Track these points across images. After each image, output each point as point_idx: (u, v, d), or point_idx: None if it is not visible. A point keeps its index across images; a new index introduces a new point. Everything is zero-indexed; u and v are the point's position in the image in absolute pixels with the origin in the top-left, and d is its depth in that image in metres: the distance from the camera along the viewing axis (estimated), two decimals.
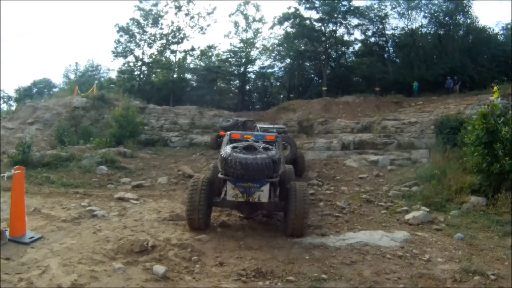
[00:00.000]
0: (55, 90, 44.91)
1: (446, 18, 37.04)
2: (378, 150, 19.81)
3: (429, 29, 40.27)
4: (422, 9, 37.97)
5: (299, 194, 7.64)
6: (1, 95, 48.87)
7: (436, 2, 37.12)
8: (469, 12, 37.25)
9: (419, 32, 40.20)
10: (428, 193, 11.06)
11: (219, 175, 7.86)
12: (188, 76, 44.64)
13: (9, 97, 49.23)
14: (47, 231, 7.23)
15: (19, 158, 13.75)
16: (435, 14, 37.38)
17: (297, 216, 7.48)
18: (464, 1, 36.10)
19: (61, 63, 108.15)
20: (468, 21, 37.89)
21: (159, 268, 5.64)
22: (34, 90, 44.98)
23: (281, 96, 44.88)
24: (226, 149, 7.66)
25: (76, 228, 7.56)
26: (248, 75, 46.72)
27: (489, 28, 38.98)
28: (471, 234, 8.14)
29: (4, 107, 46.17)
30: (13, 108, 32.00)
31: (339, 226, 8.80)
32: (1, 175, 7.14)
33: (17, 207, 6.75)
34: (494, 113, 11.31)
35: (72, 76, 55.45)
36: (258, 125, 17.43)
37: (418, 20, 39.06)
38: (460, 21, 37.76)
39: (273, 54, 45.77)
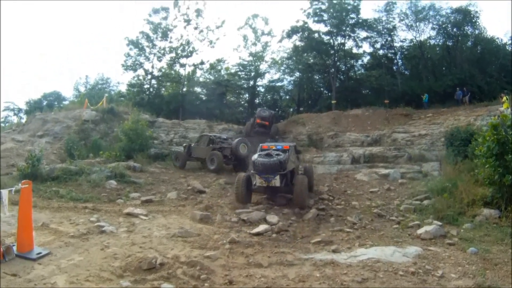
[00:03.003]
0: (65, 103, 44.80)
1: (454, 29, 36.88)
2: (389, 163, 19.64)
3: (437, 40, 40.09)
4: (430, 20, 37.80)
5: (299, 182, 12.13)
6: (12, 107, 49.24)
7: (444, 13, 37.00)
8: (477, 23, 37.03)
9: (428, 44, 40.08)
10: (439, 207, 10.92)
11: (251, 171, 12.79)
12: (198, 89, 44.71)
13: (19, 110, 49.40)
14: (55, 246, 7.20)
15: (28, 171, 13.83)
16: (443, 26, 37.21)
17: (297, 195, 11.95)
18: (472, 12, 35.98)
19: (72, 76, 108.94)
20: (476, 31, 37.68)
21: (168, 287, 5.56)
22: (44, 103, 44.82)
23: (291, 109, 44.74)
24: (255, 156, 12.60)
25: (84, 244, 7.53)
26: (258, 88, 46.80)
27: (497, 38, 38.69)
28: (485, 247, 7.99)
29: (14, 119, 46.45)
30: (23, 121, 32.15)
31: (350, 242, 8.71)
32: (9, 189, 7.14)
33: (24, 222, 6.75)
34: (505, 124, 11.15)
35: (82, 89, 55.74)
36: (209, 134, 21.58)
37: (426, 32, 38.90)
38: (468, 32, 37.55)
39: (282, 68, 45.89)
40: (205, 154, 20.16)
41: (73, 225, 9.00)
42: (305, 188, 12.20)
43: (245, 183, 12.55)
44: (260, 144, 14.44)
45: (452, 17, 36.46)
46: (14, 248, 6.52)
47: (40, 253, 6.66)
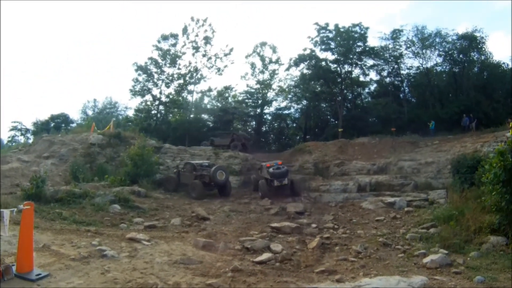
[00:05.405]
0: (73, 125, 44.95)
1: (461, 56, 37.10)
2: (395, 191, 19.48)
3: (444, 67, 40.44)
4: (437, 47, 38.08)
5: (295, 180, 21.12)
6: (19, 127, 49.43)
7: (450, 40, 37.30)
8: (483, 49, 37.28)
9: (434, 71, 40.30)
10: (446, 235, 10.72)
11: (270, 177, 20.30)
12: (205, 116, 45.00)
13: (27, 130, 49.55)
14: (55, 269, 7.10)
15: (32, 192, 13.79)
16: (450, 52, 37.41)
17: (296, 187, 20.57)
18: (477, 38, 36.15)
19: (80, 99, 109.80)
20: (482, 57, 37.88)
21: None
22: (52, 125, 44.74)
23: (297, 137, 44.84)
24: (270, 169, 20.40)
25: (85, 268, 7.42)
26: (265, 116, 47.26)
27: (503, 63, 38.75)
28: (492, 276, 7.80)
29: (21, 139, 46.74)
30: (30, 141, 32.26)
31: (354, 271, 8.54)
32: (11, 209, 7.11)
33: (24, 243, 6.69)
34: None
35: (90, 113, 56.39)
36: (193, 162, 23.13)
37: (433, 59, 39.20)
38: (474, 58, 37.78)
39: (290, 96, 46.27)
40: (189, 181, 21.35)
41: (75, 248, 8.89)
42: (299, 185, 21.00)
43: (266, 184, 20.34)
44: (263, 163, 22.02)
45: (458, 44, 36.80)
46: (14, 268, 6.45)
47: (39, 274, 6.57)
